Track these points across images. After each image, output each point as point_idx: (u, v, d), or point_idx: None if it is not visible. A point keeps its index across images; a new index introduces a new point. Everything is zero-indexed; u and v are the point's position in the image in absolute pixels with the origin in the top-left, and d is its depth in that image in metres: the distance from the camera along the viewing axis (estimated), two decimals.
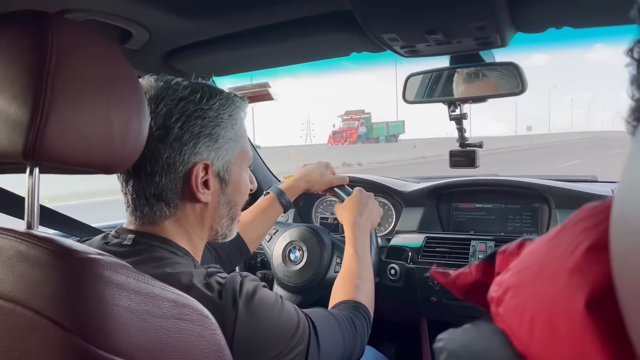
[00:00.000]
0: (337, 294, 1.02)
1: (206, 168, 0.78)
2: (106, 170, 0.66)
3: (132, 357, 0.53)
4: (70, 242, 0.56)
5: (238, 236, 1.17)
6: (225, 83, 1.56)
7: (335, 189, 1.34)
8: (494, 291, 0.42)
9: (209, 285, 0.70)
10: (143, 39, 1.03)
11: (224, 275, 0.74)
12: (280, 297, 0.78)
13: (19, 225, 0.61)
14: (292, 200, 1.31)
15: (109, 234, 0.79)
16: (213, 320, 0.62)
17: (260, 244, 1.49)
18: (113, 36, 1.00)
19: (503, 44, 1.03)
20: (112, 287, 0.53)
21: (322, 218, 1.83)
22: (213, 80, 1.52)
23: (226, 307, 0.68)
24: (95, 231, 1.19)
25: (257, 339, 0.70)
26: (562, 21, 0.96)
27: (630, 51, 0.29)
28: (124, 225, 0.80)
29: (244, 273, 0.76)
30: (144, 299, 0.55)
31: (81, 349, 0.50)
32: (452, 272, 0.57)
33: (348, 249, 1.14)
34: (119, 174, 0.78)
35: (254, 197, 1.39)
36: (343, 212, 1.25)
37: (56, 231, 1.18)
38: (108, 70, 0.63)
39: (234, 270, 1.25)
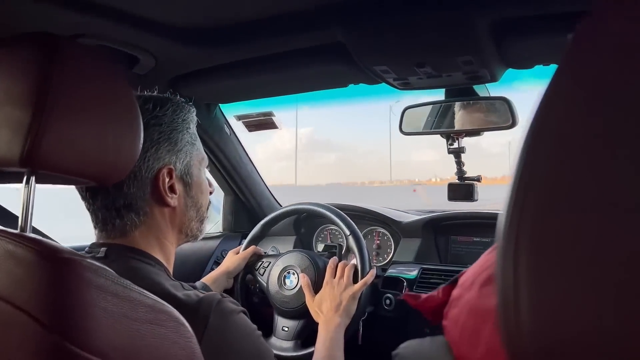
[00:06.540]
0: None
1: (170, 173, 0.81)
2: (99, 181, 0.70)
3: (107, 357, 0.55)
4: (57, 245, 0.59)
5: None
6: (232, 111, 1.62)
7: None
8: (447, 307, 0.45)
9: (187, 296, 0.72)
10: (150, 65, 1.10)
11: (204, 291, 0.75)
12: (261, 333, 0.79)
13: None
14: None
15: (82, 252, 0.81)
16: (189, 328, 0.63)
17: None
18: (122, 61, 1.06)
19: (493, 79, 1.06)
20: (92, 288, 0.56)
21: (325, 246, 1.84)
22: (219, 108, 1.59)
23: (198, 319, 0.68)
24: None
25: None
26: (549, 58, 0.99)
27: None
28: (94, 241, 0.82)
29: (225, 295, 0.76)
30: (121, 302, 0.58)
31: (58, 346, 0.53)
32: (422, 296, 0.60)
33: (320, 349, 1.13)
34: (83, 194, 0.81)
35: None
36: (316, 312, 1.25)
37: None
38: (107, 90, 0.68)
39: None
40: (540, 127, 0.23)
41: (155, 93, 0.87)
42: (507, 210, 0.23)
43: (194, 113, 0.88)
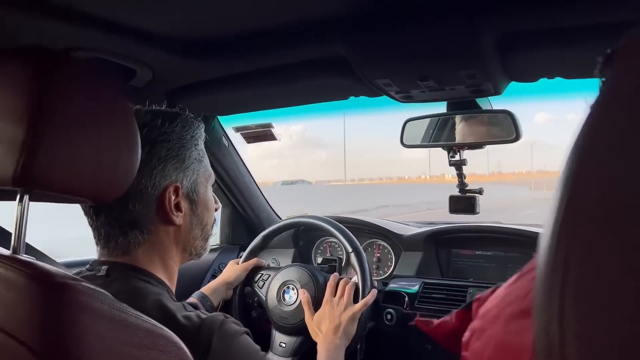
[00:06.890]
0: None
1: (177, 190, 0.79)
2: (95, 199, 0.68)
3: None
4: (51, 268, 0.57)
5: None
6: (230, 122, 1.60)
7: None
8: (465, 336, 0.43)
9: (188, 318, 0.70)
10: (147, 78, 1.08)
11: (207, 312, 0.74)
12: (265, 354, 0.77)
13: None
14: (215, 304, 1.31)
15: (82, 269, 0.79)
16: (188, 353, 0.61)
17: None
18: (119, 74, 1.04)
19: (497, 92, 1.05)
20: (87, 313, 0.53)
21: (323, 259, 1.82)
22: (218, 120, 1.57)
23: (200, 341, 0.67)
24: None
25: None
26: (554, 71, 0.98)
27: None
28: (96, 259, 0.80)
29: (228, 315, 0.75)
30: (117, 327, 0.55)
31: None
32: (435, 321, 0.58)
33: None
34: (86, 209, 0.79)
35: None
36: (315, 331, 1.22)
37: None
38: (103, 105, 0.66)
39: None
40: (592, 137, 0.20)
41: (164, 107, 0.86)
42: (552, 234, 0.21)
43: (203, 129, 0.87)
